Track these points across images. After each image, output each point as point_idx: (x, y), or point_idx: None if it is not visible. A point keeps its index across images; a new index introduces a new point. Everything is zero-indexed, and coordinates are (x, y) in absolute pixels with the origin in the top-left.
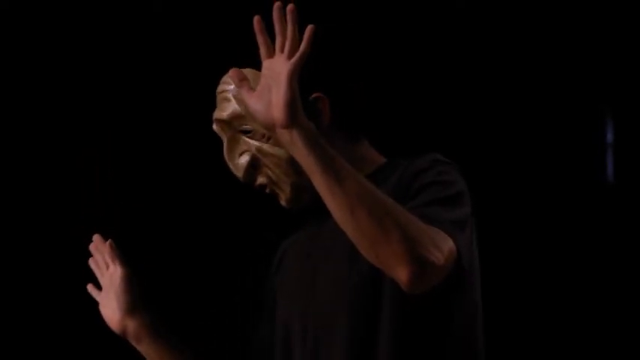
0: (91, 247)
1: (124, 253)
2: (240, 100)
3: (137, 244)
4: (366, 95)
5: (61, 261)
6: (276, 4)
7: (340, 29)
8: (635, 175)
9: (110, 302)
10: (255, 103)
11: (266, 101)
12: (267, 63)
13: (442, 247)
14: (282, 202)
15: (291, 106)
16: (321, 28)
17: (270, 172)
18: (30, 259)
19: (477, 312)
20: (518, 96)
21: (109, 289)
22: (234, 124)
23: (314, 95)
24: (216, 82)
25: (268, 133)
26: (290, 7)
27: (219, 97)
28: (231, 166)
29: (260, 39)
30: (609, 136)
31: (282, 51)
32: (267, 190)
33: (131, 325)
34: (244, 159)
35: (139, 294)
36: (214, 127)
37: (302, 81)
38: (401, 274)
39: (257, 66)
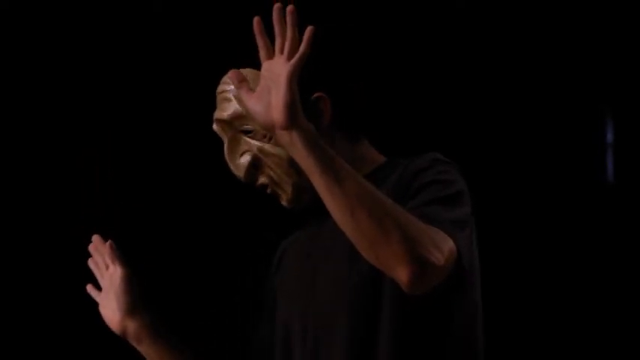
0: (91, 248)
1: (123, 254)
2: (241, 100)
3: (137, 244)
4: (366, 95)
5: (61, 261)
6: (276, 6)
7: (340, 29)
8: (635, 175)
9: (110, 303)
10: (254, 105)
11: (265, 103)
12: (267, 64)
13: (442, 247)
14: (283, 203)
15: (290, 107)
16: (321, 29)
17: (271, 173)
18: (30, 259)
19: (477, 312)
20: (518, 96)
21: (109, 290)
22: (236, 124)
23: (315, 95)
24: (216, 83)
25: (269, 133)
26: (290, 8)
27: (219, 97)
28: (231, 166)
29: (259, 40)
30: (609, 136)
31: (281, 52)
32: (269, 191)
33: (131, 326)
34: (245, 159)
35: (139, 294)
36: (215, 127)
37: (302, 81)
38: (401, 274)
39: (257, 67)
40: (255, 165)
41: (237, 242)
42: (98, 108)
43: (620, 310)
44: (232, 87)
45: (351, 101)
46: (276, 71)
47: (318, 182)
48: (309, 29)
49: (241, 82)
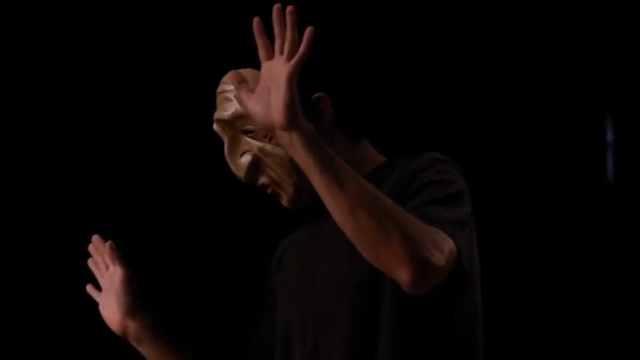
0: (90, 248)
1: (123, 254)
2: (241, 100)
3: (137, 244)
4: (366, 95)
5: (61, 261)
6: (276, 6)
7: (340, 29)
8: (635, 175)
9: (110, 303)
10: (254, 105)
11: (265, 103)
12: (267, 65)
13: (442, 247)
14: (284, 203)
15: (290, 108)
16: (321, 29)
17: (272, 173)
18: (30, 259)
19: (477, 312)
20: (518, 96)
21: (109, 290)
22: (236, 124)
23: (315, 95)
24: (216, 83)
25: (270, 133)
26: (289, 8)
27: (219, 98)
28: (232, 166)
29: (259, 41)
30: (609, 136)
31: (281, 53)
32: (269, 191)
33: (132, 326)
34: (246, 159)
35: (139, 295)
36: (215, 127)
37: (302, 81)
38: (402, 275)
39: (257, 67)
40: (256, 165)
41: (237, 242)
42: (98, 108)
43: (620, 310)
44: (233, 87)
45: (351, 101)
46: (276, 72)
47: (318, 182)
48: (308, 30)
49: (241, 82)
